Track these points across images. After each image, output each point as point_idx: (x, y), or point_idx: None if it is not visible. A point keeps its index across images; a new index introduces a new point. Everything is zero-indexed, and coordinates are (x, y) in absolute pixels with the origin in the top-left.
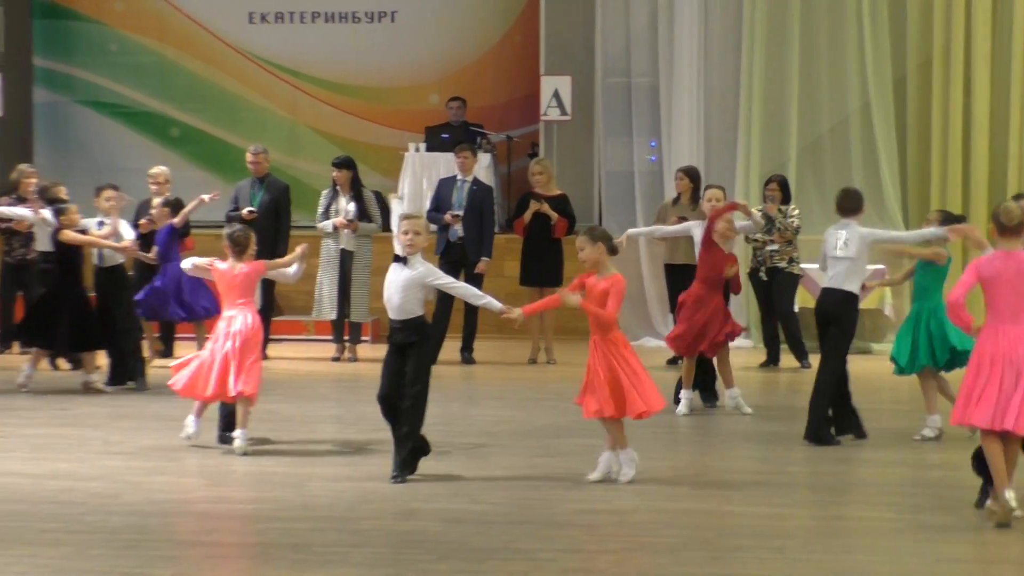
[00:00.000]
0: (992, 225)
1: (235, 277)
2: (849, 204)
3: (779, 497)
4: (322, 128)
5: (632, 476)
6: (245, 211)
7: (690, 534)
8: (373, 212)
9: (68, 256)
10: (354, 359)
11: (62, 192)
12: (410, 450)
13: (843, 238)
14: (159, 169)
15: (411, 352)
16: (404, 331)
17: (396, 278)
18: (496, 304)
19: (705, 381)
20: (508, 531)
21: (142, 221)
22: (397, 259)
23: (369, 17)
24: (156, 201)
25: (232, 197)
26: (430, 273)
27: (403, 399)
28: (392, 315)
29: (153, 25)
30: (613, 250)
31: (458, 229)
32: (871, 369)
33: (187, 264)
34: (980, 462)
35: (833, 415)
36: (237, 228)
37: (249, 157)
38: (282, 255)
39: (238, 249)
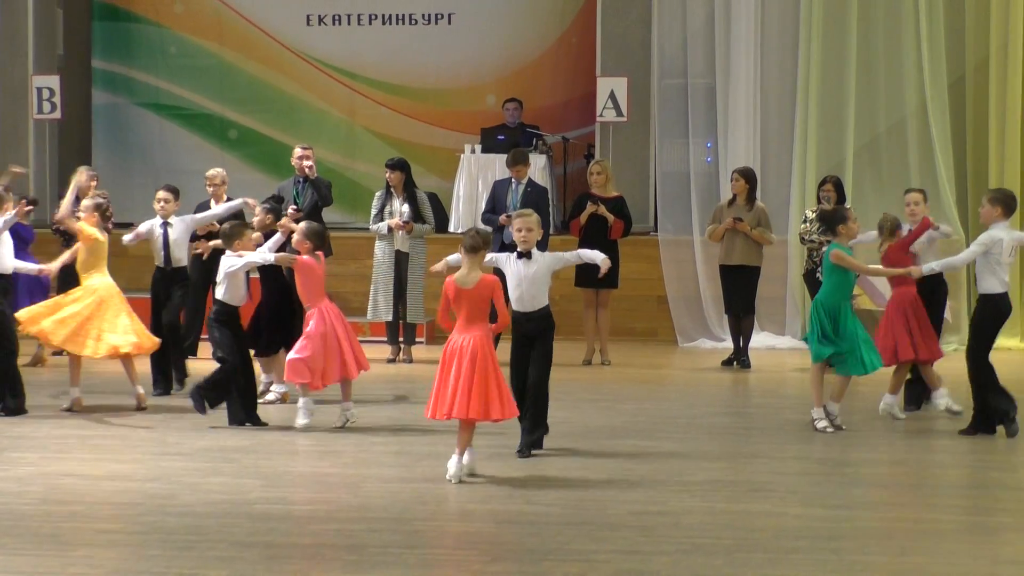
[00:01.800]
0: None
1: (323, 269)
2: (1016, 205)
3: (835, 498)
4: (379, 130)
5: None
6: (290, 210)
7: (745, 536)
8: (427, 213)
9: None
10: (409, 360)
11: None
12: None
13: (1014, 242)
14: (215, 171)
15: (539, 341)
16: (533, 321)
17: (525, 272)
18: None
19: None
20: (563, 532)
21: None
22: (520, 255)
23: (426, 19)
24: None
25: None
26: (555, 259)
27: (530, 385)
28: (521, 308)
29: (212, 27)
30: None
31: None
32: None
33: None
34: None
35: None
36: (319, 224)
37: (298, 152)
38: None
39: (322, 244)
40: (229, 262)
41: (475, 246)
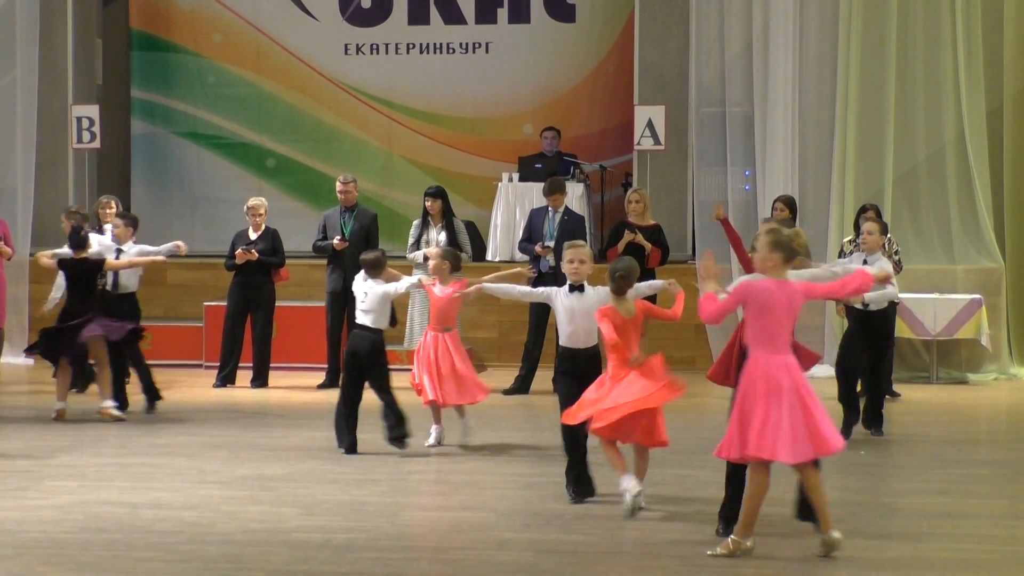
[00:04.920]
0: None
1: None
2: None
3: (874, 528)
4: (416, 159)
5: None
6: (336, 240)
7: (785, 565)
8: (463, 242)
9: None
10: None
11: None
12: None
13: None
14: (258, 201)
15: (590, 377)
16: (583, 360)
17: (578, 306)
18: None
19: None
20: (602, 561)
21: (238, 251)
22: (572, 288)
23: (463, 48)
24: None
25: (320, 226)
26: (607, 292)
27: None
28: (572, 344)
29: (250, 57)
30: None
31: (549, 259)
32: (969, 399)
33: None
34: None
35: None
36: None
37: (339, 187)
38: None
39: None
40: (381, 289)
41: (622, 289)
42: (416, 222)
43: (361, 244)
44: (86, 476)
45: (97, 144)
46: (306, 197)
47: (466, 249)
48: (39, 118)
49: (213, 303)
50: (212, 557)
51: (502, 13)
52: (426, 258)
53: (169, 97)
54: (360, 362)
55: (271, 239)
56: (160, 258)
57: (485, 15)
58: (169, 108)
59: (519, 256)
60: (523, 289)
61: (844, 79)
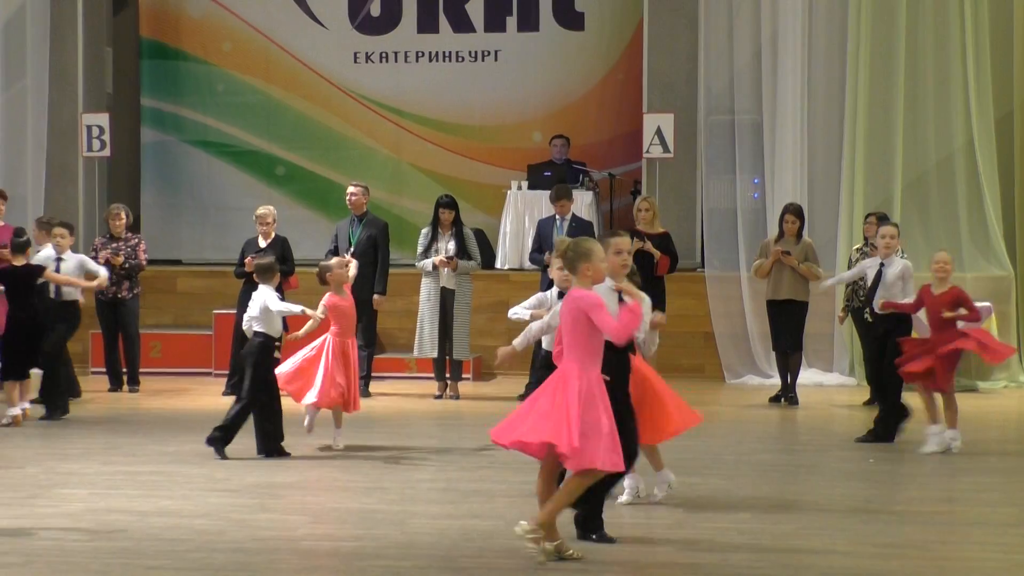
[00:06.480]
0: None
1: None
2: None
3: (884, 537)
4: (425, 166)
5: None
6: (333, 248)
7: (793, 574)
8: (473, 250)
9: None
10: (456, 397)
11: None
12: None
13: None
14: (267, 210)
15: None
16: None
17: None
18: None
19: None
20: (609, 570)
21: (248, 259)
22: (562, 295)
23: (472, 56)
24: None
25: (332, 236)
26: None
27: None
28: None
29: (259, 65)
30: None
31: None
32: (978, 407)
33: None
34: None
35: None
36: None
37: (350, 190)
38: (382, 292)
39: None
40: (261, 299)
41: None
42: (425, 230)
43: (370, 252)
44: (96, 484)
45: (107, 152)
46: (315, 205)
47: (475, 257)
48: (49, 126)
49: (222, 311)
50: (222, 565)
51: (511, 21)
52: (435, 266)
53: (179, 105)
54: (241, 363)
55: (280, 247)
56: (96, 283)
57: (494, 23)
58: (179, 116)
59: (528, 265)
60: (542, 322)
61: (853, 87)
